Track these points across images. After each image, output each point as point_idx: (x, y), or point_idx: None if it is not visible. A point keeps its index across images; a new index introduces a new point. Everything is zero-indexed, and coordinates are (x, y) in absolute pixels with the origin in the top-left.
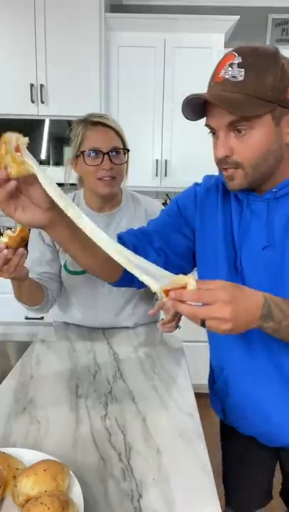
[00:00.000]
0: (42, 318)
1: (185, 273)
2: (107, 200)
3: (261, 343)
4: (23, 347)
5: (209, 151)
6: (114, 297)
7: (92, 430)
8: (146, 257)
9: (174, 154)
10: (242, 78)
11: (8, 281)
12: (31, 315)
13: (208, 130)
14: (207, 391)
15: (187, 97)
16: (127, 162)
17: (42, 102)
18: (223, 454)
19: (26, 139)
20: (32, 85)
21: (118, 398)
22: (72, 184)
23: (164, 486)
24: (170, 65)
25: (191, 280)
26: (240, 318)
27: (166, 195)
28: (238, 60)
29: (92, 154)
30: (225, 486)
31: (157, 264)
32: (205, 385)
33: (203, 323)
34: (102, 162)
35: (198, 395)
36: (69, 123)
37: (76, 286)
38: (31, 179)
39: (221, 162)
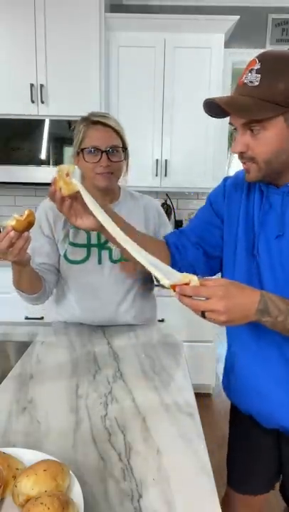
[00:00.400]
0: (42, 318)
1: None
2: (106, 193)
3: (267, 329)
4: (23, 347)
5: (208, 151)
6: (114, 286)
7: (92, 430)
8: (185, 252)
9: (174, 154)
10: (257, 83)
11: (9, 281)
12: (29, 310)
13: (232, 127)
14: (207, 391)
15: (205, 100)
16: (126, 159)
17: (42, 102)
18: (229, 435)
19: (75, 168)
20: (32, 85)
21: (118, 398)
22: (46, 183)
23: (164, 486)
24: (170, 65)
25: (194, 278)
26: (234, 311)
27: (166, 195)
28: (257, 66)
29: (92, 152)
30: (227, 466)
31: (198, 258)
32: (205, 385)
33: (203, 315)
34: (100, 159)
35: (198, 395)
36: (69, 123)
37: (76, 276)
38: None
39: (239, 157)
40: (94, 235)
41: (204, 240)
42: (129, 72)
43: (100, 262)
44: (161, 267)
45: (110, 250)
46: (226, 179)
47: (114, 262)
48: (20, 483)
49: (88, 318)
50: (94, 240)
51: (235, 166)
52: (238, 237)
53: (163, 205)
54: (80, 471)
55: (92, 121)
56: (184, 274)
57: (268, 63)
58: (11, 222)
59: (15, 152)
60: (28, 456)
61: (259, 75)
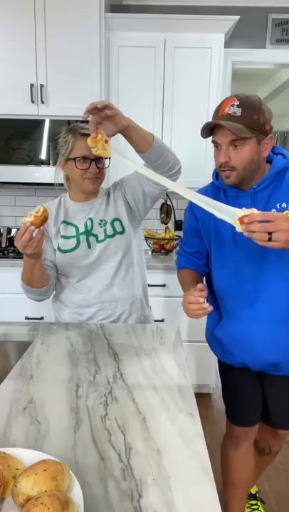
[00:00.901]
0: (42, 318)
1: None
2: (90, 194)
3: (264, 292)
4: (23, 347)
5: (208, 151)
6: (105, 264)
7: (92, 430)
8: (200, 263)
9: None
10: (239, 114)
11: (9, 281)
12: (29, 310)
13: (213, 144)
14: (207, 391)
15: (207, 123)
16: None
17: (42, 102)
18: (222, 384)
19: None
20: (32, 85)
21: (118, 398)
22: (60, 184)
23: (164, 486)
24: (170, 65)
25: (254, 210)
26: None
27: (167, 195)
28: (237, 102)
29: (82, 161)
30: (225, 404)
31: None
32: (205, 385)
33: (269, 239)
34: (89, 167)
35: (198, 395)
36: (69, 123)
37: (70, 263)
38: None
39: (221, 166)
40: (82, 225)
41: (197, 246)
42: (129, 72)
43: (89, 246)
44: (217, 205)
45: (96, 235)
46: (188, 209)
47: (101, 241)
48: (20, 483)
49: (84, 298)
50: (82, 229)
51: None
52: (222, 232)
53: (163, 205)
54: (80, 471)
55: (81, 133)
56: (244, 209)
57: (244, 101)
58: (29, 219)
59: (15, 152)
60: (28, 456)
61: (240, 109)
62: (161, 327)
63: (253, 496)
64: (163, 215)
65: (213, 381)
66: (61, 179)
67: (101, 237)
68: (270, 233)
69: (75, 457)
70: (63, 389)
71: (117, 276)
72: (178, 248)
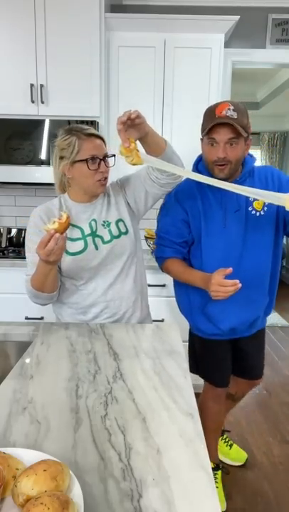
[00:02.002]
0: (42, 318)
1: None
2: (97, 196)
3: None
4: (23, 347)
5: None
6: (111, 264)
7: (92, 430)
8: (185, 252)
9: None
10: (235, 117)
11: (9, 281)
12: (29, 310)
13: (207, 142)
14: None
15: (216, 121)
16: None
17: (42, 102)
18: (200, 357)
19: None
20: (32, 85)
21: (118, 398)
22: (45, 183)
23: (164, 486)
24: (170, 65)
25: None
26: None
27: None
28: (231, 107)
29: (91, 161)
30: (206, 373)
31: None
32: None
33: None
34: (99, 167)
35: (198, 395)
36: (69, 123)
37: (79, 265)
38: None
39: (218, 161)
40: (86, 227)
41: (185, 236)
42: (129, 72)
43: (96, 248)
44: (264, 193)
45: (101, 237)
46: (169, 195)
47: (107, 242)
48: (20, 483)
49: (90, 298)
50: (88, 231)
51: None
52: (213, 217)
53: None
54: (80, 471)
55: (86, 133)
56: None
57: (237, 107)
58: (53, 226)
59: (15, 152)
60: (28, 456)
61: (235, 112)
62: (161, 327)
63: (222, 433)
64: None
65: None
66: (48, 179)
67: (107, 238)
68: None
69: (75, 457)
70: (63, 389)
71: (121, 275)
72: (156, 240)
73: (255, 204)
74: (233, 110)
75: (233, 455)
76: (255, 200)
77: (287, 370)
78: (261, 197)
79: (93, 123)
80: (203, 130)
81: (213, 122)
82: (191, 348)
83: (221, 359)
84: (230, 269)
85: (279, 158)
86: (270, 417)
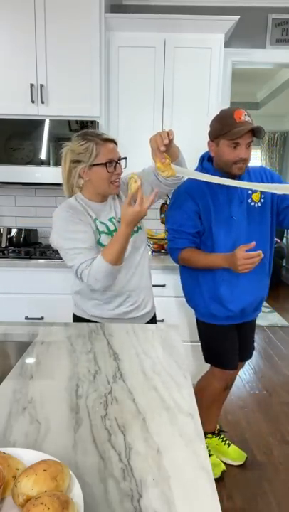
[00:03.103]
0: (42, 318)
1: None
2: (107, 196)
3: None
4: (23, 347)
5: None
6: (134, 256)
7: (92, 430)
8: (198, 241)
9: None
10: (251, 122)
11: (9, 281)
12: (33, 306)
13: (230, 144)
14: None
15: (246, 126)
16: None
17: (42, 102)
18: (214, 343)
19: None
20: (32, 85)
21: (118, 398)
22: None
23: (164, 486)
24: (170, 65)
25: None
26: None
27: (167, 195)
28: (246, 113)
29: (109, 164)
30: (218, 357)
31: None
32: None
33: None
34: (115, 169)
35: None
36: (69, 123)
37: None
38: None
39: (239, 160)
40: (110, 224)
41: (198, 226)
42: (129, 72)
43: None
44: (278, 186)
45: None
46: (187, 195)
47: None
48: (20, 483)
49: (114, 289)
50: (112, 227)
51: None
52: (220, 210)
53: (163, 205)
54: (80, 471)
55: (103, 138)
56: None
57: (248, 113)
58: (138, 183)
59: (15, 152)
60: (28, 456)
61: (249, 118)
62: (161, 327)
63: (221, 432)
64: (163, 215)
65: None
66: (50, 179)
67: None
68: None
69: (75, 457)
70: (63, 389)
71: (138, 266)
72: (169, 234)
73: (253, 196)
74: (247, 116)
75: (233, 455)
76: (253, 193)
77: (287, 370)
78: (269, 189)
79: (93, 123)
80: (222, 134)
81: (243, 128)
82: (205, 339)
83: (232, 342)
84: (253, 243)
85: (279, 158)
86: (270, 417)
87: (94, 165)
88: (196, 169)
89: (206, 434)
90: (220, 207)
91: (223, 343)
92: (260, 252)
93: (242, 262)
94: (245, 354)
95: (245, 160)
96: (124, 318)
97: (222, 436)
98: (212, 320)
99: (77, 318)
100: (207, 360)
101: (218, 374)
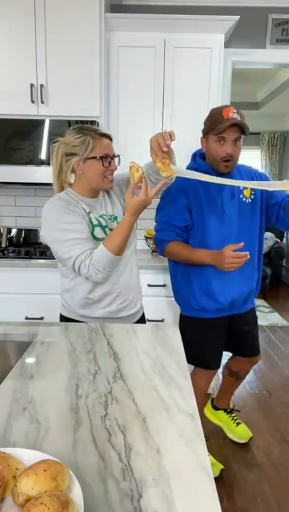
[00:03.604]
0: (42, 318)
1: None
2: (99, 191)
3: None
4: (23, 347)
5: None
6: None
7: (92, 430)
8: (186, 236)
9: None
10: (239, 119)
11: (9, 281)
12: (33, 306)
13: (216, 139)
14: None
15: (231, 121)
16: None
17: (42, 102)
18: (196, 339)
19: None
20: (32, 85)
21: (118, 398)
22: (45, 183)
23: (164, 486)
24: (170, 65)
25: None
26: None
27: None
28: (234, 111)
29: (105, 159)
30: (198, 355)
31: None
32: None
33: None
34: (110, 164)
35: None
36: (69, 123)
37: None
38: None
39: (226, 156)
40: (101, 219)
41: (188, 220)
42: (129, 72)
43: None
44: (263, 183)
45: (112, 229)
46: (180, 192)
47: (99, 239)
48: (20, 483)
49: (104, 286)
50: (104, 223)
51: None
52: (212, 204)
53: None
54: (80, 471)
55: (100, 133)
56: (285, 180)
57: (238, 111)
58: (140, 172)
59: (15, 152)
60: (28, 456)
61: (238, 115)
62: (161, 327)
63: (233, 411)
64: None
65: (213, 381)
66: (46, 179)
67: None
68: None
69: (75, 457)
70: (63, 389)
71: (128, 264)
72: (157, 225)
73: (244, 192)
74: (237, 113)
75: (239, 432)
76: (245, 189)
77: (287, 370)
78: (264, 186)
79: (93, 123)
80: (210, 130)
81: (227, 123)
82: (187, 337)
83: (216, 338)
84: (242, 244)
85: (279, 158)
86: (270, 417)
87: (89, 158)
88: (189, 166)
89: (216, 408)
90: (212, 201)
91: (210, 340)
92: (248, 253)
93: (230, 260)
94: (247, 349)
95: (232, 156)
96: (114, 318)
97: (233, 415)
98: (202, 314)
99: (64, 319)
100: (190, 361)
101: (201, 373)
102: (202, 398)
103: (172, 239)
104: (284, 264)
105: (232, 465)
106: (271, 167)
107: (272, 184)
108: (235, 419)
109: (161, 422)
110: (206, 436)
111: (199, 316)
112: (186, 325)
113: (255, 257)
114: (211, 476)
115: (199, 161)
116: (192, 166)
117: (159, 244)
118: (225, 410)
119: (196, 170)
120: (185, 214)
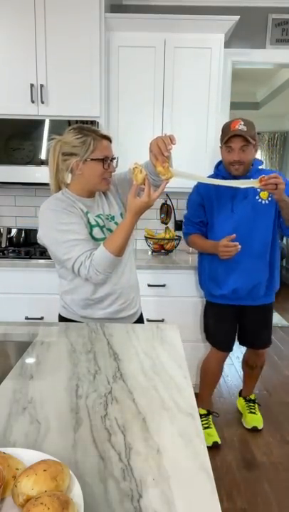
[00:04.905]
0: (42, 318)
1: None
2: (97, 193)
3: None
4: (23, 347)
5: (209, 151)
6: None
7: (92, 430)
8: (203, 230)
9: (173, 154)
10: (245, 130)
11: (9, 281)
12: (33, 306)
13: (225, 148)
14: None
15: (231, 134)
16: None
17: (42, 102)
18: (213, 322)
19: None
20: (32, 85)
21: (118, 398)
22: (46, 183)
23: (164, 486)
24: (170, 65)
25: (265, 177)
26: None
27: (167, 195)
28: (242, 122)
29: (103, 160)
30: (210, 337)
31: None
32: None
33: (275, 188)
34: (109, 166)
35: (198, 395)
36: (69, 123)
37: None
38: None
39: (234, 162)
40: (99, 219)
41: (202, 217)
42: (129, 72)
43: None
44: (243, 181)
45: (110, 229)
46: (196, 192)
47: (98, 240)
48: (20, 483)
49: (105, 287)
50: (101, 223)
51: None
52: (222, 204)
53: (163, 205)
54: (80, 471)
55: (101, 135)
56: (258, 179)
57: (246, 122)
58: (144, 174)
59: (15, 152)
60: (28, 456)
61: (245, 126)
62: (161, 327)
63: (252, 401)
64: (163, 215)
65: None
66: (43, 179)
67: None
68: (276, 186)
69: (75, 457)
70: (63, 389)
71: (127, 264)
72: (184, 221)
73: (261, 194)
74: (244, 125)
75: (248, 418)
76: (261, 191)
77: (287, 370)
78: (238, 184)
79: (93, 123)
80: (221, 141)
81: (229, 135)
82: (204, 317)
83: (225, 322)
84: (233, 235)
85: (279, 158)
86: (270, 417)
87: (89, 159)
88: (213, 172)
89: (240, 395)
90: (222, 201)
91: (219, 322)
92: (238, 243)
93: (222, 249)
94: (252, 341)
95: (239, 162)
96: (114, 318)
97: (250, 404)
98: (211, 298)
99: (63, 320)
100: (206, 339)
101: (214, 353)
102: (207, 376)
103: (192, 232)
104: (284, 264)
105: (232, 465)
106: (271, 167)
107: (244, 182)
108: (251, 409)
109: (161, 422)
110: (215, 413)
111: (209, 300)
112: (205, 307)
113: (265, 255)
114: (211, 476)
115: (220, 167)
116: (215, 173)
117: (184, 236)
118: (244, 398)
119: (217, 175)
120: (199, 212)
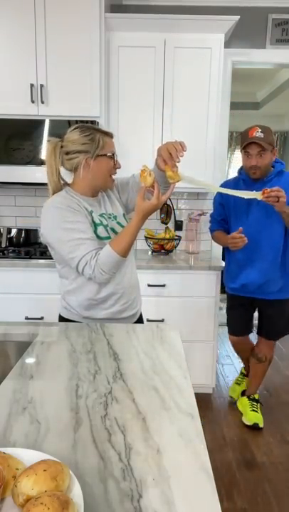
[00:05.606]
0: (42, 318)
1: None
2: (99, 191)
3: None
4: (23, 347)
5: (209, 151)
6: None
7: (92, 430)
8: (225, 227)
9: None
10: (262, 136)
11: (9, 281)
12: (33, 306)
13: (244, 154)
14: (207, 391)
15: (248, 141)
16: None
17: (42, 102)
18: (229, 309)
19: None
20: (32, 85)
21: (118, 398)
22: (46, 183)
23: (164, 486)
24: (170, 65)
25: (267, 190)
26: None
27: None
28: (259, 130)
29: (110, 157)
30: (228, 324)
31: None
32: (205, 385)
33: (277, 200)
34: (116, 163)
35: (198, 395)
36: (69, 123)
37: None
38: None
39: (251, 168)
40: (102, 219)
41: (223, 215)
42: (129, 72)
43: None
44: (247, 192)
45: (113, 229)
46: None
47: (102, 238)
48: (20, 483)
49: (108, 287)
50: (105, 222)
51: (235, 165)
52: (238, 206)
53: (163, 205)
54: (80, 471)
55: (106, 132)
56: (261, 191)
57: (264, 129)
58: (152, 178)
59: (15, 152)
60: (28, 456)
61: (262, 134)
62: (161, 327)
63: (255, 400)
64: (163, 215)
65: (214, 381)
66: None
67: (118, 229)
68: (278, 199)
69: (75, 457)
70: (63, 389)
71: (128, 264)
72: (210, 218)
73: None
74: (261, 132)
75: (249, 416)
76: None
77: (287, 370)
78: (241, 194)
79: (93, 123)
80: (241, 146)
81: (246, 142)
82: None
83: (236, 309)
84: (241, 228)
85: (279, 158)
86: (270, 417)
87: (100, 155)
88: (236, 178)
89: (243, 394)
90: (239, 204)
91: (230, 309)
92: (243, 235)
93: (230, 241)
94: (264, 331)
95: (256, 167)
96: (116, 319)
97: (254, 403)
98: (227, 289)
99: (64, 321)
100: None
101: (230, 337)
102: (239, 355)
103: (215, 228)
104: None
105: (232, 465)
106: None
107: (248, 193)
108: (254, 407)
109: (161, 422)
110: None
111: (226, 291)
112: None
113: (276, 255)
114: (211, 476)
115: (242, 171)
116: (237, 177)
117: (210, 232)
118: (248, 397)
119: (239, 179)
120: (221, 210)
